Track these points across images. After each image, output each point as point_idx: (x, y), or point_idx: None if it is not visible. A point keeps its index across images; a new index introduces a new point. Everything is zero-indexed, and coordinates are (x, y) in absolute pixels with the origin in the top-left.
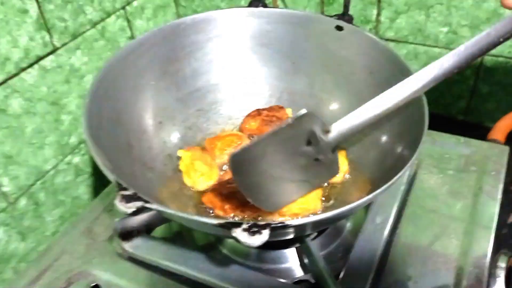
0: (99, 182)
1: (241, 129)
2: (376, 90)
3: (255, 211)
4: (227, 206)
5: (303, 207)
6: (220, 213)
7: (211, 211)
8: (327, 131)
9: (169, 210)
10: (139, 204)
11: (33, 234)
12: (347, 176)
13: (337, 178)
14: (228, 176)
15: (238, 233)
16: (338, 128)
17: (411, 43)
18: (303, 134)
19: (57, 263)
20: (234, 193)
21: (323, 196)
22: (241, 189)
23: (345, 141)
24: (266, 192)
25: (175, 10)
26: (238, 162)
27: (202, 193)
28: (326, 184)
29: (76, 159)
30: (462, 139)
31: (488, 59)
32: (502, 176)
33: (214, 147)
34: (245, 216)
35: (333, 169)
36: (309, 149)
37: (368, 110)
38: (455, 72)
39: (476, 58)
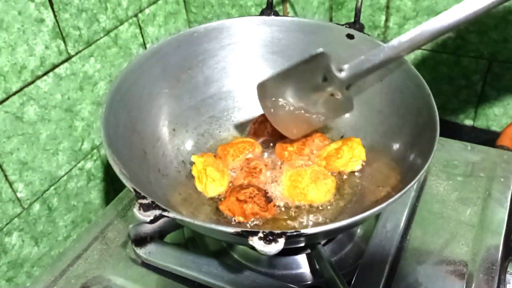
0: (110, 187)
1: (250, 133)
2: (386, 98)
3: (273, 212)
4: (248, 211)
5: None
6: (241, 219)
7: (224, 216)
8: (341, 70)
9: (187, 219)
10: (157, 212)
11: (46, 239)
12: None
13: (357, 165)
14: (239, 182)
15: (254, 241)
16: (351, 67)
17: (418, 48)
18: (319, 70)
19: (72, 268)
20: (251, 198)
21: (337, 189)
22: (266, 114)
23: (358, 80)
24: (288, 120)
25: (186, 17)
26: (263, 90)
27: (214, 199)
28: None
29: (89, 165)
30: (470, 145)
31: (495, 64)
32: (511, 182)
33: (226, 154)
34: (266, 217)
35: (348, 106)
36: (325, 84)
37: (377, 53)
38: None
39: None
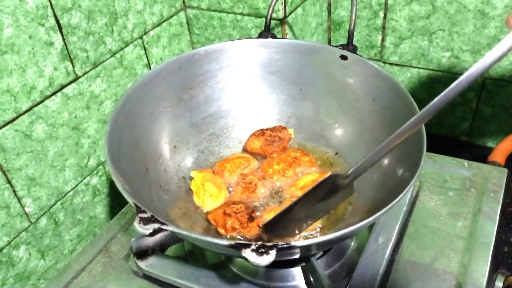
0: (115, 202)
1: (245, 148)
2: (378, 116)
3: (254, 232)
4: (228, 225)
5: None
6: (222, 231)
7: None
8: (346, 177)
9: (184, 232)
10: (156, 226)
11: (52, 252)
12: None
13: None
14: (235, 197)
15: (247, 253)
16: (354, 172)
17: (414, 67)
18: (326, 189)
19: (76, 280)
20: (236, 213)
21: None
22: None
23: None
24: (290, 230)
25: (189, 38)
26: (270, 227)
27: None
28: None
29: (94, 180)
30: (462, 161)
31: (489, 82)
32: (501, 197)
33: (223, 169)
34: (245, 235)
35: (350, 192)
36: (331, 194)
37: (377, 153)
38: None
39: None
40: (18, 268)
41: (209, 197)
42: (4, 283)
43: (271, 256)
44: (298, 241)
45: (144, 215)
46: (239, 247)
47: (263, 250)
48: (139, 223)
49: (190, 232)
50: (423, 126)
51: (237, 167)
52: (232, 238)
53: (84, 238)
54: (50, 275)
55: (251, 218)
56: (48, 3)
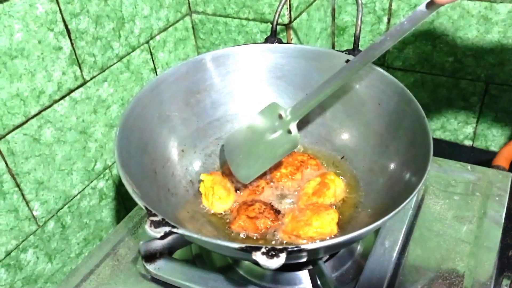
0: (121, 206)
1: None
2: (384, 120)
3: (277, 220)
4: (261, 226)
5: (319, 232)
6: (256, 234)
7: (228, 232)
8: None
9: (195, 235)
10: (167, 229)
11: (59, 256)
12: (348, 195)
13: (340, 196)
14: (243, 198)
15: (257, 256)
16: (295, 108)
17: (418, 71)
18: (273, 115)
19: (85, 283)
20: (261, 213)
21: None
22: (229, 162)
23: (300, 118)
24: (243, 167)
25: (195, 43)
26: (228, 145)
27: (219, 216)
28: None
29: (101, 184)
30: (467, 165)
31: (492, 87)
32: (505, 201)
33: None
34: (276, 224)
35: (294, 141)
36: (278, 123)
37: (313, 94)
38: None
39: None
40: (25, 271)
41: (218, 199)
42: (12, 286)
43: (282, 259)
44: (307, 244)
45: (155, 218)
46: (249, 250)
47: (274, 253)
48: (150, 226)
49: (201, 235)
50: (430, 132)
51: None
52: (263, 237)
53: (91, 241)
54: (57, 278)
55: (276, 211)
56: (57, 8)
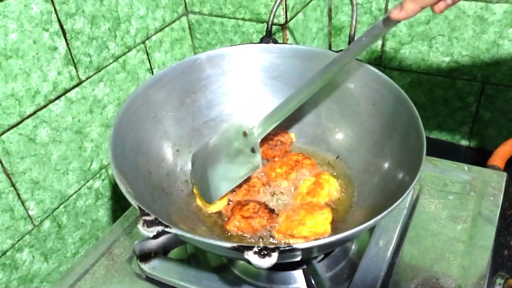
0: (117, 206)
1: None
2: (379, 120)
3: (272, 219)
4: (257, 226)
5: (313, 231)
6: (251, 233)
7: (223, 232)
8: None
9: (187, 234)
10: (160, 228)
11: (55, 255)
12: (342, 194)
13: (334, 196)
14: (238, 198)
15: (249, 255)
16: (258, 128)
17: (414, 72)
18: (237, 133)
19: (79, 282)
20: (256, 213)
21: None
22: (193, 180)
23: (264, 134)
24: (207, 187)
25: (191, 43)
26: (196, 160)
27: (213, 216)
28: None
29: (97, 184)
30: (462, 165)
31: (488, 87)
32: (500, 200)
33: None
34: (271, 223)
35: (257, 161)
36: (242, 141)
37: (280, 108)
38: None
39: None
40: (21, 271)
41: None
42: (7, 285)
43: (273, 258)
44: (300, 243)
45: (148, 218)
46: (241, 249)
47: (266, 252)
48: (143, 225)
49: (193, 234)
50: (423, 130)
51: None
52: (258, 237)
53: (87, 241)
54: (53, 278)
55: (271, 211)
56: (53, 9)
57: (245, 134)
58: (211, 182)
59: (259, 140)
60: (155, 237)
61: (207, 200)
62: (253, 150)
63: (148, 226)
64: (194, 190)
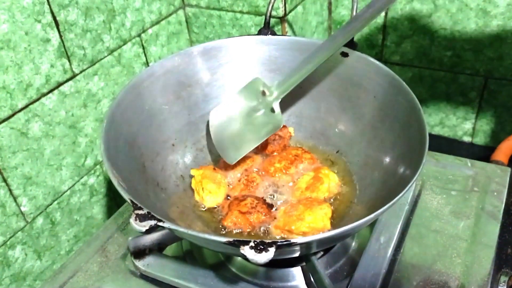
0: (112, 202)
1: None
2: (379, 113)
3: (270, 215)
4: (255, 221)
5: (312, 226)
6: (249, 229)
7: (220, 228)
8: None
9: (181, 229)
10: (152, 222)
11: (49, 253)
12: (342, 189)
13: (334, 191)
14: (235, 192)
15: (246, 250)
16: (278, 86)
17: (416, 66)
18: (256, 92)
19: (72, 280)
20: (254, 208)
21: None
22: (214, 142)
23: (284, 95)
24: (227, 147)
25: (188, 37)
26: (213, 125)
27: (210, 212)
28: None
29: (91, 180)
30: (465, 160)
31: (491, 81)
32: (504, 196)
33: (227, 165)
34: (269, 218)
35: (278, 120)
36: (261, 100)
37: (297, 69)
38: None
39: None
40: (14, 268)
41: (208, 194)
42: None
43: (270, 253)
44: (298, 238)
45: (140, 212)
46: (237, 244)
47: (262, 247)
48: (135, 219)
49: (188, 229)
50: (425, 122)
51: (241, 166)
52: (256, 233)
53: (81, 238)
54: (47, 276)
55: (269, 206)
56: None
57: (264, 93)
58: (232, 143)
59: (279, 101)
60: (147, 231)
61: (229, 159)
62: (272, 110)
63: (141, 220)
64: (192, 185)
